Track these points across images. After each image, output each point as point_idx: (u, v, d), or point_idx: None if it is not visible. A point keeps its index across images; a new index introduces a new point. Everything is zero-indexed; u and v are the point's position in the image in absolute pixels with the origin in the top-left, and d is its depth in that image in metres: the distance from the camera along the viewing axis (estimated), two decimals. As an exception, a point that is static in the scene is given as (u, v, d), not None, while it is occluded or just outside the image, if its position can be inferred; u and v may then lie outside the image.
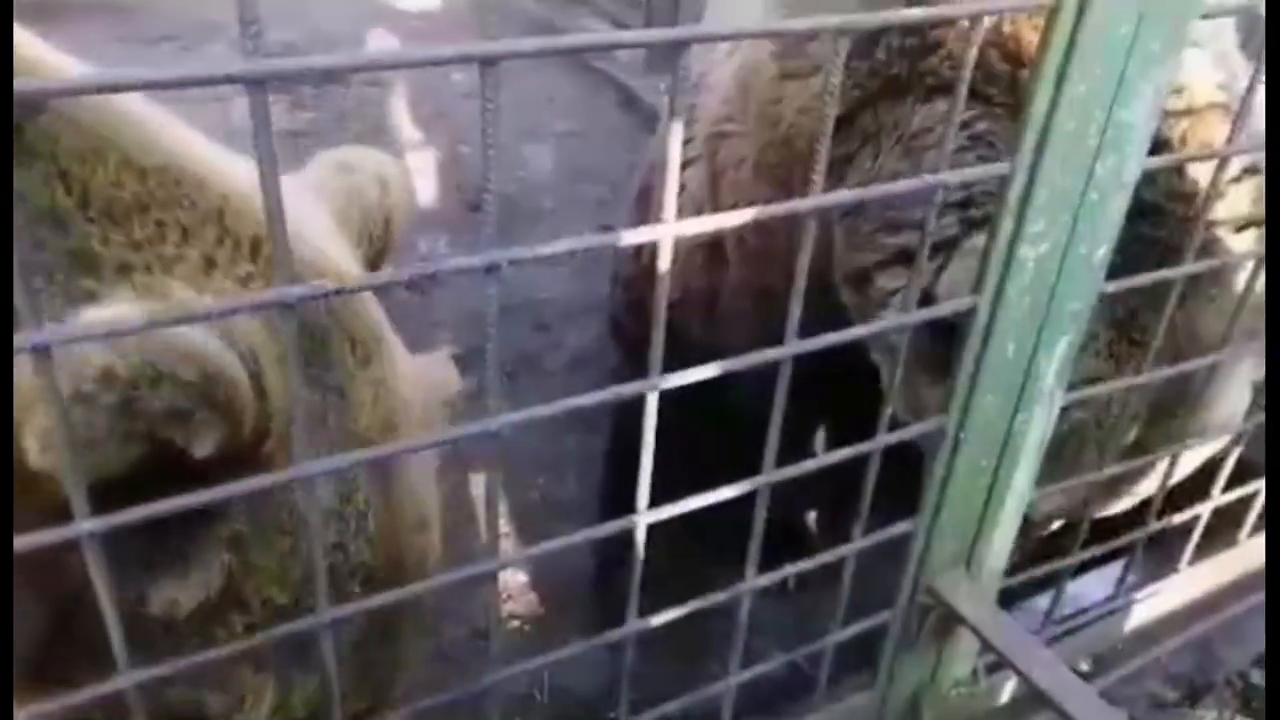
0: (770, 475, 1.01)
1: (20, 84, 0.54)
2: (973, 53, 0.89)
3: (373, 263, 1.26)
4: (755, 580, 1.12)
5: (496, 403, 0.84)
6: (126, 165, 0.95)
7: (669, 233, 0.82)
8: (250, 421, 0.86)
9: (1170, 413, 1.44)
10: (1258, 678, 1.86)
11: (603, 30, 6.20)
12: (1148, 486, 1.57)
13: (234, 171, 1.05)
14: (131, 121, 1.00)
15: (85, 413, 0.74)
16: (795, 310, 0.93)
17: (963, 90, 0.91)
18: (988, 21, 0.96)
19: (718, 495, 1.01)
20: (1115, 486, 1.54)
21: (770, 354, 0.93)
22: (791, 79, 1.73)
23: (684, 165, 2.13)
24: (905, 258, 1.53)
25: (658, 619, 1.06)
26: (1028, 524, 1.57)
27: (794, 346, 0.92)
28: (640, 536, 0.99)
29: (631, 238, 0.82)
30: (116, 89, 0.55)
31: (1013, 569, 1.36)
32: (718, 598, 1.09)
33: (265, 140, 0.61)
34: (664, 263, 0.83)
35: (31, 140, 0.90)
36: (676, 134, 0.75)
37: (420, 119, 5.31)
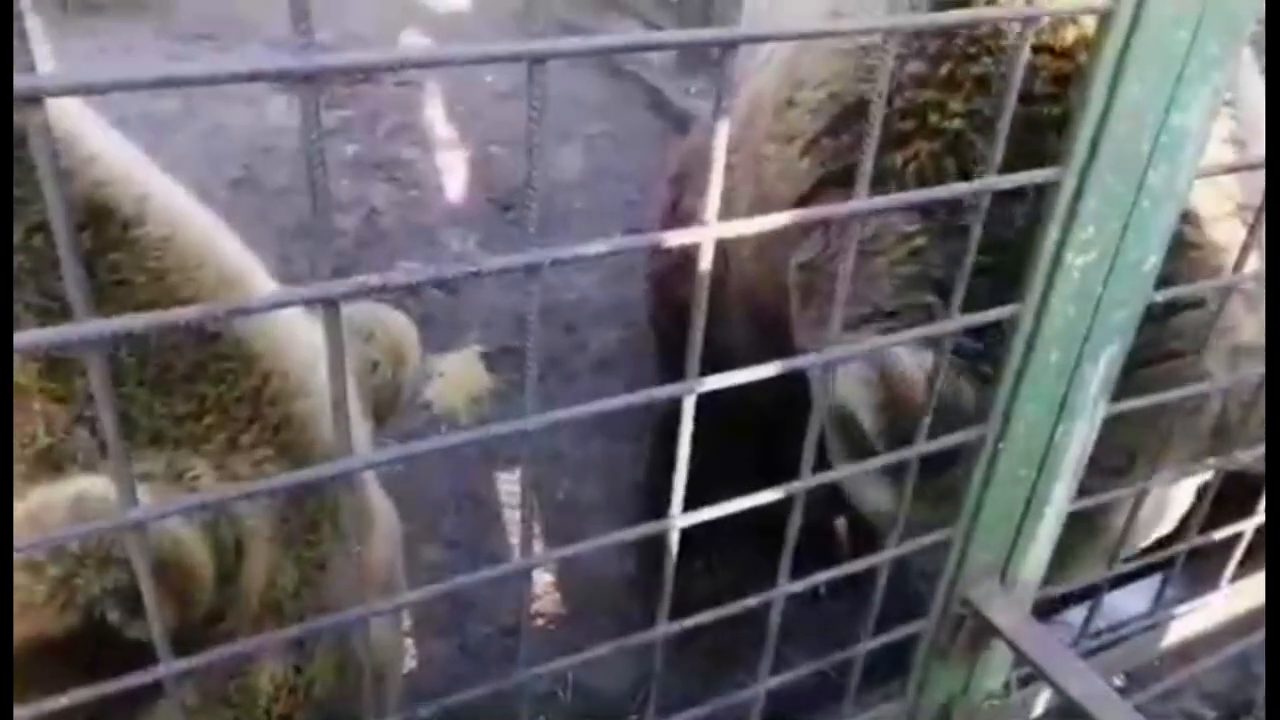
0: (807, 481, 1.00)
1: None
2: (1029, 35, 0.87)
3: (375, 422, 1.29)
4: (788, 586, 1.10)
5: (530, 403, 0.83)
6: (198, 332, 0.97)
7: (710, 235, 0.81)
8: (205, 605, 0.88)
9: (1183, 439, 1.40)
10: (1296, 697, 1.82)
11: (636, 32, 6.20)
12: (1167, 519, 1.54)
13: (286, 339, 1.07)
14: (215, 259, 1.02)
15: (29, 579, 0.76)
16: (837, 317, 0.92)
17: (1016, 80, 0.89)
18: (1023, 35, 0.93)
19: (752, 501, 1.00)
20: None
21: (804, 360, 0.92)
22: (774, 141, 1.73)
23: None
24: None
25: (688, 622, 1.05)
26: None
27: (834, 352, 0.91)
28: (674, 539, 0.98)
29: (673, 239, 0.81)
30: (168, 83, 0.55)
31: (1047, 582, 1.34)
32: (748, 603, 1.08)
33: (313, 136, 0.60)
34: (705, 264, 0.82)
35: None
36: (722, 135, 0.74)
37: (452, 118, 5.33)
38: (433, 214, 4.40)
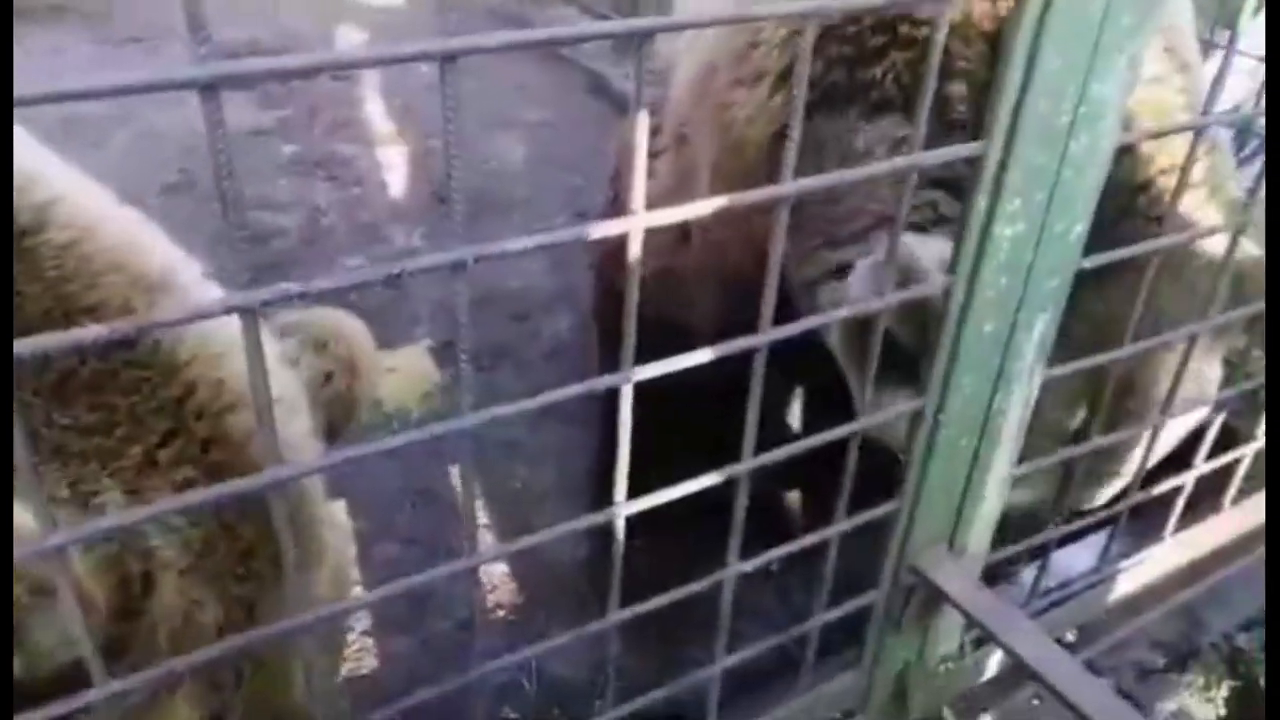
0: (749, 463, 1.01)
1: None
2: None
3: (328, 435, 1.22)
4: (737, 566, 1.11)
5: (470, 397, 0.82)
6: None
7: (639, 224, 0.80)
8: (97, 640, 0.79)
9: (1116, 392, 1.43)
10: (1243, 641, 1.88)
11: (570, 18, 6.16)
12: (1124, 474, 1.57)
13: (223, 346, 0.98)
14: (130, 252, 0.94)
15: None
16: (770, 299, 0.92)
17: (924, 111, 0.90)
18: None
19: (695, 485, 1.00)
20: (1087, 475, 1.53)
21: (742, 342, 0.92)
22: (739, 86, 1.73)
23: (654, 155, 2.12)
24: (845, 271, 1.54)
25: (639, 609, 1.06)
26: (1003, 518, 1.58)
27: (768, 335, 0.92)
28: (620, 527, 0.98)
29: (600, 230, 0.81)
30: (66, 98, 0.53)
31: (998, 545, 1.36)
32: (695, 587, 1.08)
33: (220, 146, 0.59)
34: (634, 253, 0.82)
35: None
36: (642, 127, 0.74)
37: (391, 112, 5.26)
38: (375, 210, 4.34)
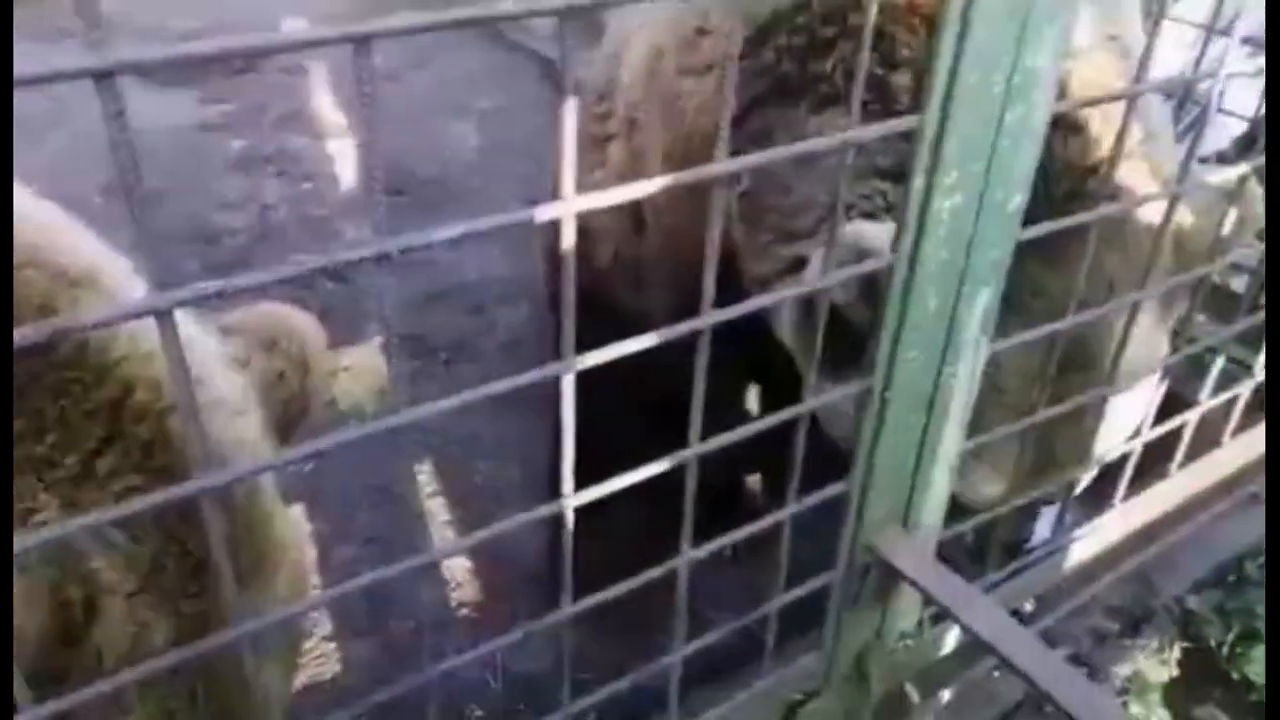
0: (695, 448, 1.00)
1: None
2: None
3: (282, 433, 1.19)
4: (691, 553, 1.10)
5: (404, 394, 0.81)
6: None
7: (570, 210, 0.79)
8: (33, 667, 0.77)
9: (1074, 368, 1.44)
10: (1194, 604, 1.92)
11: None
12: (1089, 459, 1.58)
13: (150, 339, 0.91)
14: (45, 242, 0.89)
15: None
16: (710, 282, 0.91)
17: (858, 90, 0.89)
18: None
19: (644, 473, 0.99)
20: (1051, 460, 1.55)
21: (686, 326, 0.91)
22: (689, 75, 1.72)
23: (606, 140, 2.10)
24: (798, 266, 1.54)
25: (591, 600, 1.05)
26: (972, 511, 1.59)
27: (709, 317, 0.91)
28: (569, 519, 0.97)
29: (531, 216, 0.79)
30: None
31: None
32: (653, 573, 1.08)
33: (122, 133, 0.57)
34: (567, 242, 0.81)
35: None
36: (571, 114, 0.73)
37: (339, 104, 5.18)
38: (327, 204, 4.28)
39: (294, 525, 1.20)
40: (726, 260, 1.64)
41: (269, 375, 1.17)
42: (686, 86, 1.74)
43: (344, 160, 4.64)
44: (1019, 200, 1.05)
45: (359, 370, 2.93)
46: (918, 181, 0.97)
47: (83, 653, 0.85)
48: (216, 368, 1.09)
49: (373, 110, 0.63)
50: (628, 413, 1.97)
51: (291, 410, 1.19)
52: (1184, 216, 1.43)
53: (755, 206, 1.63)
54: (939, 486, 1.25)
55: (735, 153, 1.73)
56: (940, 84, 0.91)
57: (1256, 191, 1.50)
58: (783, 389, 1.44)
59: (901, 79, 1.49)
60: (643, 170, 1.96)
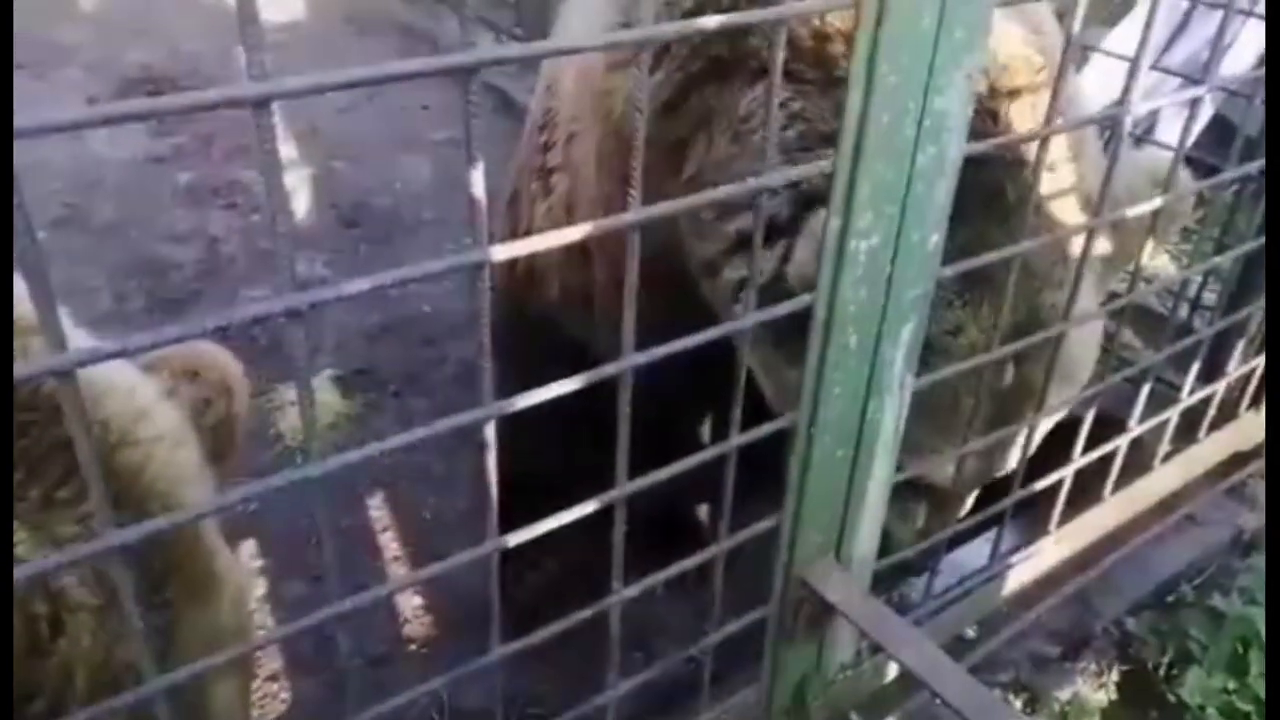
0: (624, 489, 1.00)
1: None
2: (782, 38, 0.90)
3: (215, 462, 1.26)
4: (624, 592, 1.11)
5: (311, 446, 0.81)
6: None
7: (490, 257, 0.80)
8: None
9: (1034, 351, 1.46)
10: (1133, 626, 1.95)
11: (485, 37, 6.13)
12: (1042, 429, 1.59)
13: (102, 387, 1.01)
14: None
15: None
16: (629, 320, 0.92)
17: (777, 79, 0.91)
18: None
19: (576, 512, 1.00)
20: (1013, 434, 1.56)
21: (609, 369, 0.92)
22: (618, 69, 1.73)
23: (551, 171, 2.11)
24: (746, 243, 1.54)
25: (525, 641, 1.05)
26: (948, 496, 1.60)
27: (630, 359, 0.92)
28: (495, 561, 0.98)
29: (447, 266, 0.80)
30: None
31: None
32: (584, 614, 1.08)
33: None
34: (484, 287, 0.82)
35: None
36: (478, 170, 0.74)
37: (290, 136, 5.15)
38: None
39: (234, 560, 1.24)
40: (680, 282, 1.65)
41: (196, 403, 1.23)
42: (615, 82, 1.74)
43: (294, 193, 4.61)
44: (937, 239, 1.08)
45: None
46: (834, 223, 0.99)
47: (53, 666, 0.90)
48: (154, 401, 1.15)
49: (275, 174, 0.63)
50: (580, 444, 1.97)
51: (221, 435, 1.26)
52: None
53: (696, 186, 1.62)
54: (870, 519, 1.27)
55: (678, 140, 1.71)
56: (851, 130, 0.94)
57: (1189, 184, 1.54)
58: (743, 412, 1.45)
59: (837, 47, 1.49)
60: (580, 185, 1.97)
